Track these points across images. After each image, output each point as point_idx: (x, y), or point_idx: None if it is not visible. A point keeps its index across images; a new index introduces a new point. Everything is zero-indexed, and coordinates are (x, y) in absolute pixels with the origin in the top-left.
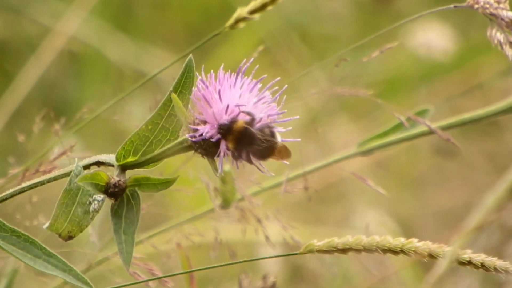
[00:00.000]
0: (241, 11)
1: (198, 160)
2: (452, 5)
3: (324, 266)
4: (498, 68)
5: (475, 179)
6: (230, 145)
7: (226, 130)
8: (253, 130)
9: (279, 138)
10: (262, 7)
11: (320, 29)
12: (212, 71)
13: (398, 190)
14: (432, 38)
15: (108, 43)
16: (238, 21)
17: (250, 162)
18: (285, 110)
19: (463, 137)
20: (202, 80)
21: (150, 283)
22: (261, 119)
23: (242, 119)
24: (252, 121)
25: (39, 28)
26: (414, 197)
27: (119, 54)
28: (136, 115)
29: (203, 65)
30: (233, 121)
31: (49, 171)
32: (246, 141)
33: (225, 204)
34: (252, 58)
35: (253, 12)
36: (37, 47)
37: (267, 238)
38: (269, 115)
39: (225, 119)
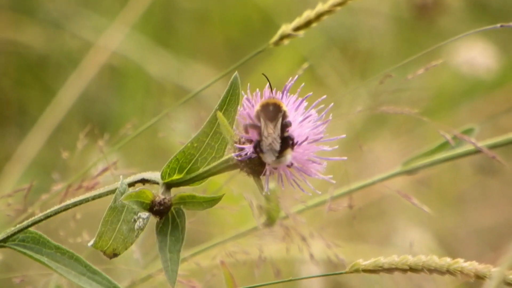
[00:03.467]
0: (286, 28)
1: (242, 178)
2: (498, 25)
3: (366, 284)
4: None
5: None
6: None
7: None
8: None
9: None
10: (306, 24)
11: (360, 45)
12: (258, 89)
13: (439, 208)
14: (475, 56)
15: (149, 58)
16: (282, 37)
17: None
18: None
19: (505, 155)
20: (247, 99)
21: None
22: (306, 138)
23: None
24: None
25: (80, 42)
26: (455, 215)
27: (160, 69)
28: (177, 131)
29: (248, 84)
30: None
31: (92, 187)
32: None
33: (270, 222)
34: (297, 76)
35: (297, 29)
36: (78, 62)
37: (311, 256)
38: (315, 134)
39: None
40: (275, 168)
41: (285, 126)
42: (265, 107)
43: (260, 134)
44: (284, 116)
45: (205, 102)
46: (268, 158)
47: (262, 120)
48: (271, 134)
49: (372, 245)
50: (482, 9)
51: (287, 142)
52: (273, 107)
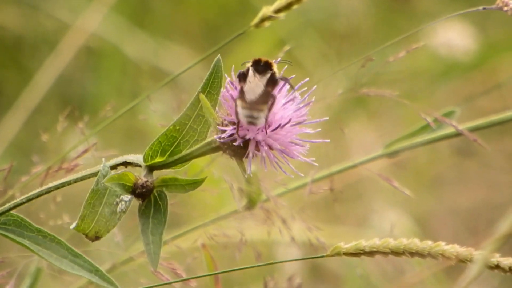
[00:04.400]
0: (267, 10)
1: (223, 160)
2: (481, 7)
3: (345, 265)
4: None
5: (494, 178)
6: None
7: None
8: None
9: None
10: (287, 6)
11: (338, 26)
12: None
13: (416, 190)
14: (453, 37)
15: (126, 39)
16: (263, 20)
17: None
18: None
19: (482, 137)
20: (230, 81)
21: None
22: (289, 120)
23: None
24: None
25: (56, 23)
26: (432, 196)
27: (136, 49)
28: (157, 113)
29: (233, 65)
30: None
31: (72, 169)
32: None
33: (251, 204)
34: (279, 59)
35: (278, 11)
36: (54, 43)
37: (292, 239)
38: (298, 116)
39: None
40: (258, 150)
41: (271, 81)
42: (256, 62)
43: (245, 81)
44: (273, 75)
45: (182, 84)
46: (249, 95)
47: (251, 70)
48: (256, 81)
49: (351, 227)
50: None
51: (267, 96)
52: (264, 64)
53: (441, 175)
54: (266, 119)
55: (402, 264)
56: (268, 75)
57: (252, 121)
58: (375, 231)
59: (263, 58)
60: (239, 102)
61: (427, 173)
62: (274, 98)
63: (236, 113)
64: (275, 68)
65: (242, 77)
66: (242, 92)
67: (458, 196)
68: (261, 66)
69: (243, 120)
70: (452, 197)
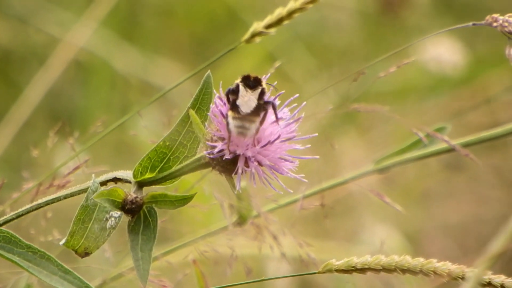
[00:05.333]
0: (257, 26)
1: (213, 177)
2: (470, 23)
3: (334, 280)
4: (506, 83)
5: (482, 192)
6: None
7: None
8: None
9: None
10: (278, 22)
11: (326, 40)
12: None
13: (405, 204)
14: (442, 52)
15: (114, 53)
16: (254, 35)
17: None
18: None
19: (471, 152)
20: (219, 97)
21: None
22: (279, 136)
23: None
24: None
25: (45, 37)
26: (422, 211)
27: (125, 63)
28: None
29: (221, 82)
30: None
31: (63, 186)
32: None
33: (241, 220)
34: (269, 74)
35: (269, 26)
36: (43, 57)
37: (283, 254)
38: (287, 132)
39: None
40: (247, 166)
41: (262, 96)
42: (246, 78)
43: (237, 96)
44: (263, 91)
45: (172, 99)
46: (243, 108)
47: (241, 86)
48: (248, 95)
49: (340, 242)
50: (447, 4)
51: (260, 109)
52: (254, 79)
53: (430, 190)
54: (257, 131)
55: (391, 279)
56: (259, 90)
57: (242, 132)
58: (365, 246)
59: (252, 75)
60: (230, 113)
61: (416, 188)
62: (266, 110)
63: (227, 124)
64: (264, 84)
65: (232, 92)
66: (234, 104)
67: (448, 211)
68: (252, 82)
69: (234, 131)
70: (442, 212)
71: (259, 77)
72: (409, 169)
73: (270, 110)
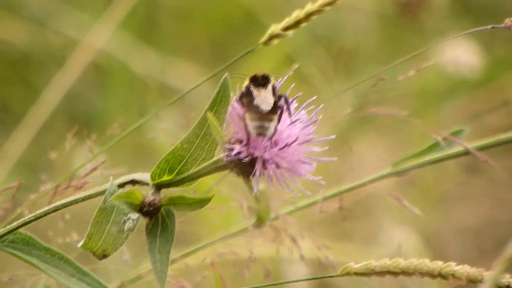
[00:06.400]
0: (275, 28)
1: (232, 179)
2: (489, 26)
3: (352, 283)
4: None
5: (500, 195)
6: None
7: None
8: None
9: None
10: (295, 24)
11: (344, 42)
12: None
13: (423, 207)
14: (459, 54)
15: (132, 55)
16: (271, 37)
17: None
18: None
19: (489, 154)
20: (237, 100)
21: None
22: (296, 138)
23: None
24: None
25: (63, 40)
26: (439, 214)
27: (143, 66)
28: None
29: (238, 84)
30: None
31: (81, 187)
32: None
33: (259, 223)
34: (286, 76)
35: (286, 29)
36: (61, 59)
37: (301, 257)
38: (305, 135)
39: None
40: (265, 169)
41: (273, 90)
42: (254, 78)
43: (252, 97)
44: (273, 86)
45: (190, 102)
46: (264, 106)
47: (252, 87)
48: (263, 93)
49: (358, 244)
50: (465, 6)
51: (276, 106)
52: (262, 77)
53: (448, 192)
54: (276, 129)
55: (408, 282)
56: (270, 86)
57: (262, 132)
58: (383, 248)
59: (259, 73)
60: (247, 115)
61: (434, 190)
62: (281, 108)
63: (245, 126)
64: (272, 80)
65: (245, 95)
66: (250, 106)
67: (465, 212)
68: (261, 80)
69: (253, 132)
70: (459, 214)
71: (266, 73)
72: (427, 171)
73: (286, 113)
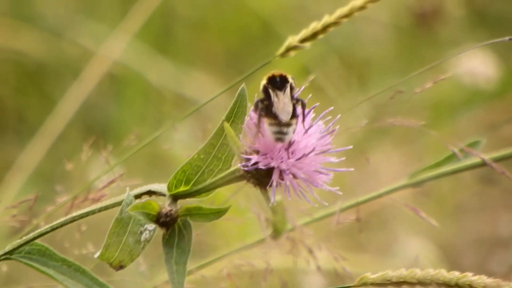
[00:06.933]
0: (292, 40)
1: (249, 189)
2: (507, 38)
3: None
4: None
5: None
6: None
7: None
8: None
9: None
10: (313, 36)
11: (360, 53)
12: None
13: (439, 217)
14: (476, 65)
15: (148, 66)
16: (288, 49)
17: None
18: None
19: (504, 164)
20: (254, 110)
21: None
22: (313, 148)
23: None
24: None
25: (79, 50)
26: (455, 224)
27: (159, 76)
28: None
29: (255, 95)
30: None
31: (98, 199)
32: None
33: (276, 234)
34: (303, 87)
35: (304, 40)
36: (77, 70)
37: (318, 268)
38: (322, 145)
39: None
40: (282, 179)
41: (291, 91)
42: (272, 79)
43: (270, 102)
44: (291, 86)
45: (206, 112)
46: (284, 116)
47: (270, 90)
48: (281, 99)
49: (374, 255)
50: (481, 17)
51: (294, 111)
52: (280, 78)
53: (464, 203)
54: (293, 132)
55: None
56: (288, 88)
57: (281, 138)
58: (400, 259)
59: (276, 73)
60: (266, 120)
61: (450, 200)
62: (300, 114)
63: (262, 129)
64: (290, 79)
65: (262, 100)
66: (268, 111)
67: (481, 223)
68: (278, 82)
69: (271, 137)
70: (475, 225)
71: (283, 74)
72: (443, 182)
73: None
